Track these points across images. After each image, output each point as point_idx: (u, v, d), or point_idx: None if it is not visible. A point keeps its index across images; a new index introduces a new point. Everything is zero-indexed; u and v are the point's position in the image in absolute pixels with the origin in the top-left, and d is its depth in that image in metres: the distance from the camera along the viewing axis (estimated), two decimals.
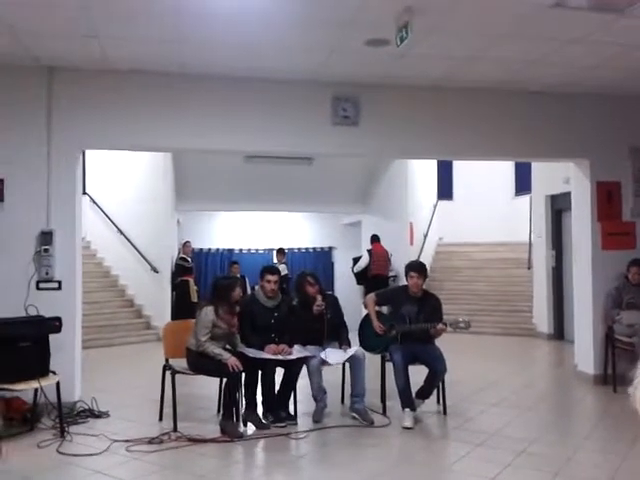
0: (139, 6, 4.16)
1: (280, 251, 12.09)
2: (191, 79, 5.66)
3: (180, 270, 10.74)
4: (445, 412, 5.27)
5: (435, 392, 5.29)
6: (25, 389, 4.51)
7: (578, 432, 5.02)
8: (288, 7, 4.21)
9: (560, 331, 9.72)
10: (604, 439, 4.83)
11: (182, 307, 10.16)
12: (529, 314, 10.45)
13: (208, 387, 5.52)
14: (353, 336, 5.45)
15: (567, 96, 6.30)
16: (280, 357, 4.92)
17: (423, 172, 12.87)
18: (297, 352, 5.02)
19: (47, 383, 4.57)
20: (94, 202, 10.54)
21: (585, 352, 6.63)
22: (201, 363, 4.83)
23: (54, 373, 4.68)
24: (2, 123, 5.33)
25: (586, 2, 4.16)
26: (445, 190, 13.85)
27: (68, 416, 4.89)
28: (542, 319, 10.04)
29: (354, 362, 5.11)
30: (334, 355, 5.11)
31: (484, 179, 12.99)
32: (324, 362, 5.10)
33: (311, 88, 5.86)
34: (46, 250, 5.31)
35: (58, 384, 4.61)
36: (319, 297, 5.20)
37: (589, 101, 6.36)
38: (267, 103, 5.84)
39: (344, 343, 5.27)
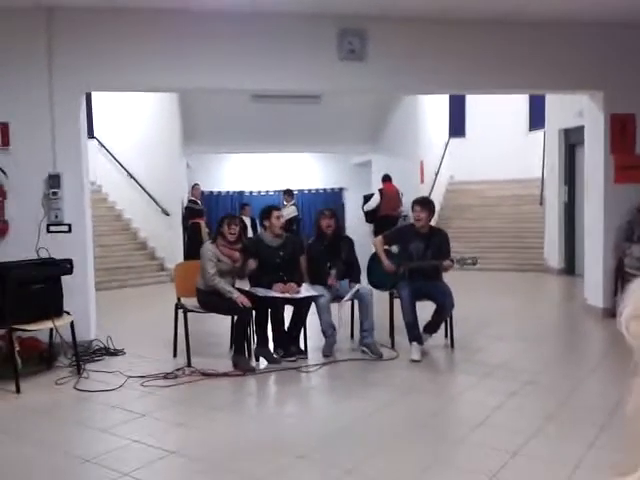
0: None
1: (288, 192, 12.03)
2: (195, 17, 5.51)
3: (191, 213, 10.77)
4: (452, 346, 5.35)
5: (443, 326, 5.36)
6: (40, 329, 4.62)
7: (585, 364, 5.08)
8: None
9: (571, 266, 9.72)
10: (610, 370, 4.89)
11: (194, 249, 10.22)
12: (540, 250, 10.43)
13: (220, 324, 5.64)
14: (362, 275, 5.49)
15: (580, 25, 6.06)
16: (288, 295, 4.98)
17: (434, 109, 12.62)
18: (305, 291, 5.08)
19: (61, 323, 4.68)
20: (103, 146, 10.51)
21: (595, 286, 6.64)
22: (211, 301, 4.92)
23: (68, 313, 4.78)
24: (3, 67, 5.26)
25: None
26: (457, 127, 13.59)
27: (84, 354, 5.03)
28: (553, 254, 10.03)
29: (361, 299, 5.18)
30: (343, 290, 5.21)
31: (497, 115, 12.71)
32: (336, 298, 5.17)
33: (316, 22, 5.69)
34: (54, 193, 5.33)
35: (72, 324, 4.72)
36: (333, 273, 5.20)
37: (603, 31, 6.11)
38: (272, 39, 5.69)
39: (354, 281, 5.32)
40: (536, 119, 12.12)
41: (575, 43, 6.14)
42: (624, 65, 6.22)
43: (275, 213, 5.17)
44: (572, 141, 9.50)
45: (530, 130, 12.78)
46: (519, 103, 12.60)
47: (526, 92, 9.91)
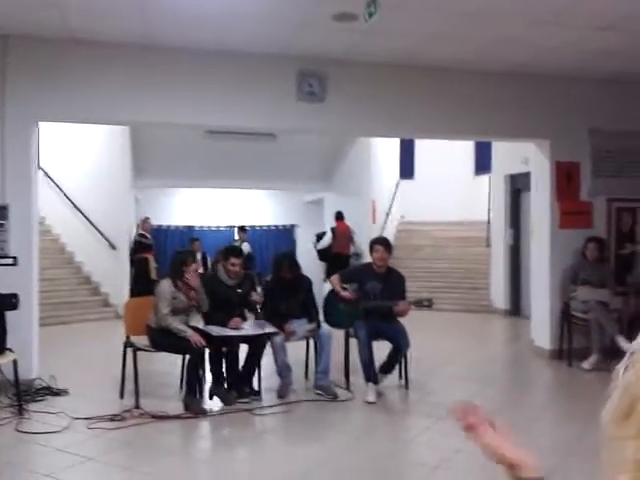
0: None
1: (242, 229, 11.98)
2: (153, 51, 5.50)
3: (139, 247, 10.55)
4: (407, 386, 5.35)
5: (397, 367, 5.36)
6: None
7: (536, 404, 5.17)
8: None
9: (516, 307, 9.95)
10: (562, 411, 5.00)
11: (141, 284, 9.99)
12: (487, 291, 10.66)
13: (170, 364, 5.47)
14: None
15: (529, 76, 6.36)
16: (243, 333, 4.89)
17: (386, 151, 12.90)
18: (260, 327, 5.00)
19: (4, 361, 4.46)
20: (49, 177, 10.20)
21: (541, 328, 6.80)
22: (163, 340, 4.78)
23: (11, 351, 4.55)
24: None
25: None
26: (407, 169, 13.92)
27: (26, 394, 4.77)
28: (499, 296, 10.26)
29: (320, 339, 5.14)
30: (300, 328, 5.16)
31: (445, 158, 13.09)
32: (291, 335, 5.12)
33: (276, 62, 5.76)
34: (1, 225, 5.13)
35: (15, 362, 4.49)
36: (291, 326, 5.16)
37: (550, 82, 6.43)
38: (230, 77, 5.72)
39: (312, 321, 5.27)
40: (482, 164, 12.54)
41: (523, 93, 6.42)
42: (569, 115, 6.53)
43: (232, 260, 5.10)
44: (517, 186, 9.85)
45: (476, 174, 13.20)
46: (466, 148, 13.03)
47: (475, 139, 10.28)
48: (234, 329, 4.89)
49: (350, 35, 5.18)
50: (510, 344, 8.39)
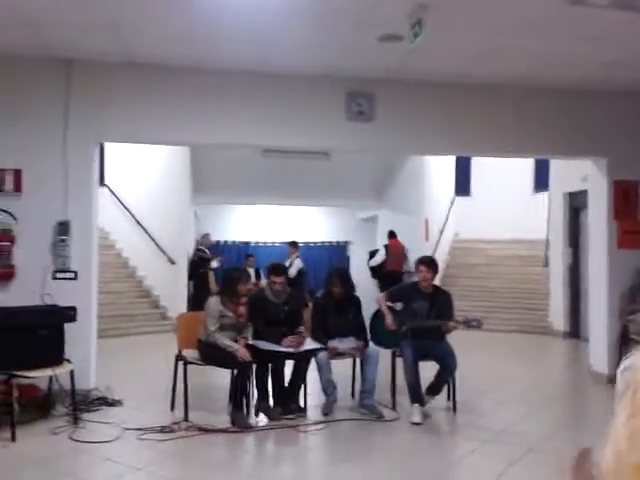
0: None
1: (293, 244, 12.08)
2: (208, 74, 5.70)
3: (200, 262, 10.74)
4: (455, 408, 5.26)
5: (445, 388, 5.29)
6: (40, 376, 4.60)
7: (589, 430, 4.97)
8: (303, 2, 4.22)
9: (576, 329, 9.63)
10: None
11: (200, 298, 10.17)
12: (544, 312, 10.36)
13: (221, 378, 5.58)
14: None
15: (586, 93, 6.22)
16: (291, 350, 4.94)
17: (440, 168, 12.81)
18: (307, 344, 5.05)
19: (61, 371, 4.66)
20: (113, 194, 10.66)
21: (599, 351, 6.56)
22: (211, 354, 4.90)
23: (69, 361, 4.76)
24: (20, 115, 5.40)
25: (606, 0, 4.11)
26: (463, 186, 13.76)
27: (82, 404, 4.98)
28: (558, 317, 9.96)
29: (367, 358, 5.14)
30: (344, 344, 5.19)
31: (502, 176, 12.86)
32: (337, 354, 5.14)
33: (325, 83, 5.86)
34: (62, 240, 5.39)
35: (72, 372, 4.69)
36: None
37: (608, 99, 6.26)
38: (282, 98, 5.86)
39: (361, 341, 5.28)
40: (540, 181, 12.25)
41: (581, 110, 6.28)
42: (628, 133, 6.33)
43: (272, 278, 5.18)
44: (576, 204, 9.58)
45: (535, 192, 12.90)
46: (524, 165, 12.76)
47: (532, 157, 10.07)
48: (289, 347, 4.94)
49: (396, 55, 5.22)
50: (567, 368, 8.12)
